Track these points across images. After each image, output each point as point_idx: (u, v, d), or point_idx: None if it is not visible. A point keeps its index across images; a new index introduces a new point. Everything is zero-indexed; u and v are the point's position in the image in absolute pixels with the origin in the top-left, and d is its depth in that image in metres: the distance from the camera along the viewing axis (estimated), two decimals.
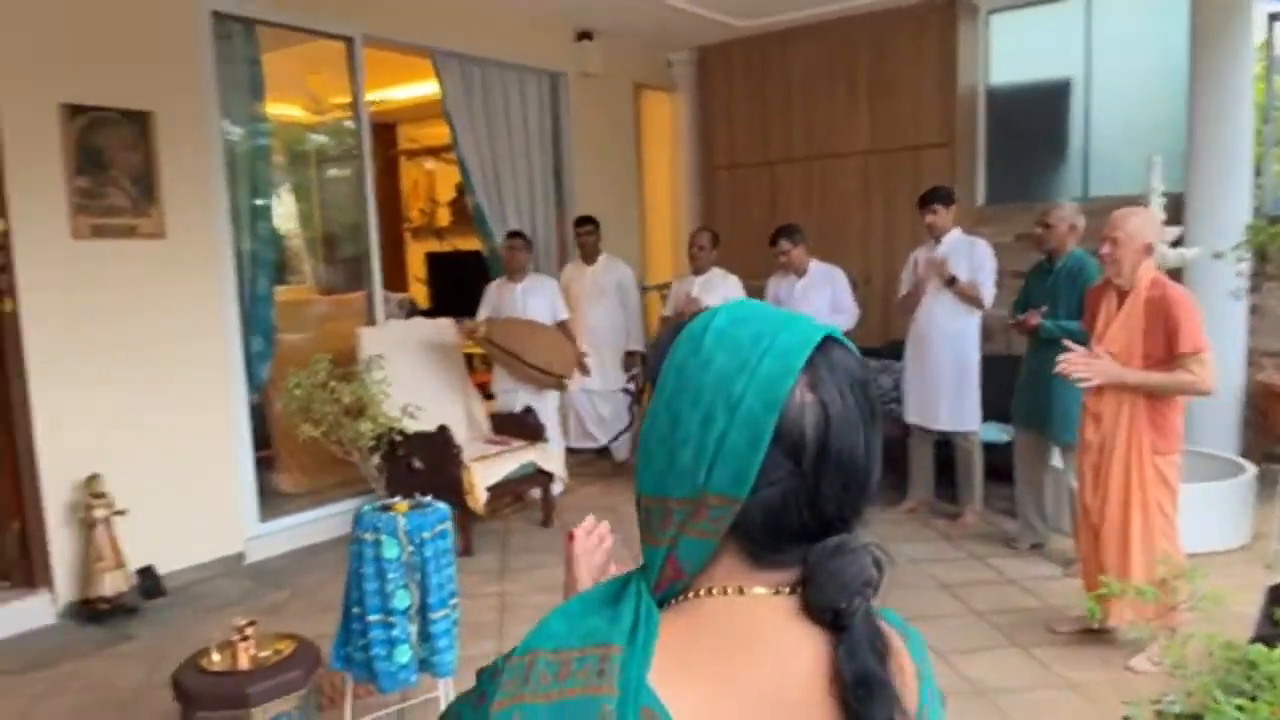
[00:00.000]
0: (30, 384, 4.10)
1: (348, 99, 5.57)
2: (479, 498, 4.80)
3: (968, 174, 6.55)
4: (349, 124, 5.69)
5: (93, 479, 4.21)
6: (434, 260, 9.69)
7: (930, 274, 5.04)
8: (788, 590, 0.74)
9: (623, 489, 6.01)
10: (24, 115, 4.04)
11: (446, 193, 9.69)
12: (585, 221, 6.23)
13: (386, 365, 5.18)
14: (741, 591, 0.74)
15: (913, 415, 5.29)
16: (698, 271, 5.75)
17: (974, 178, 6.58)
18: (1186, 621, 2.62)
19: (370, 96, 8.54)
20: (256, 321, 5.08)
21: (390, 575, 2.76)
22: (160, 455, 4.51)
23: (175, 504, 4.53)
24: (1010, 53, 6.60)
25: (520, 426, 5.42)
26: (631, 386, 6.27)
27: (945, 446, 5.33)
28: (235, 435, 4.87)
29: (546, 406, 5.55)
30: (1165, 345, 3.24)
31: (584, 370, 5.83)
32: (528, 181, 6.65)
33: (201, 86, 4.69)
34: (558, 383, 5.43)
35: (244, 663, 2.74)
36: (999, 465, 5.31)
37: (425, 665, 2.84)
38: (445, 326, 5.76)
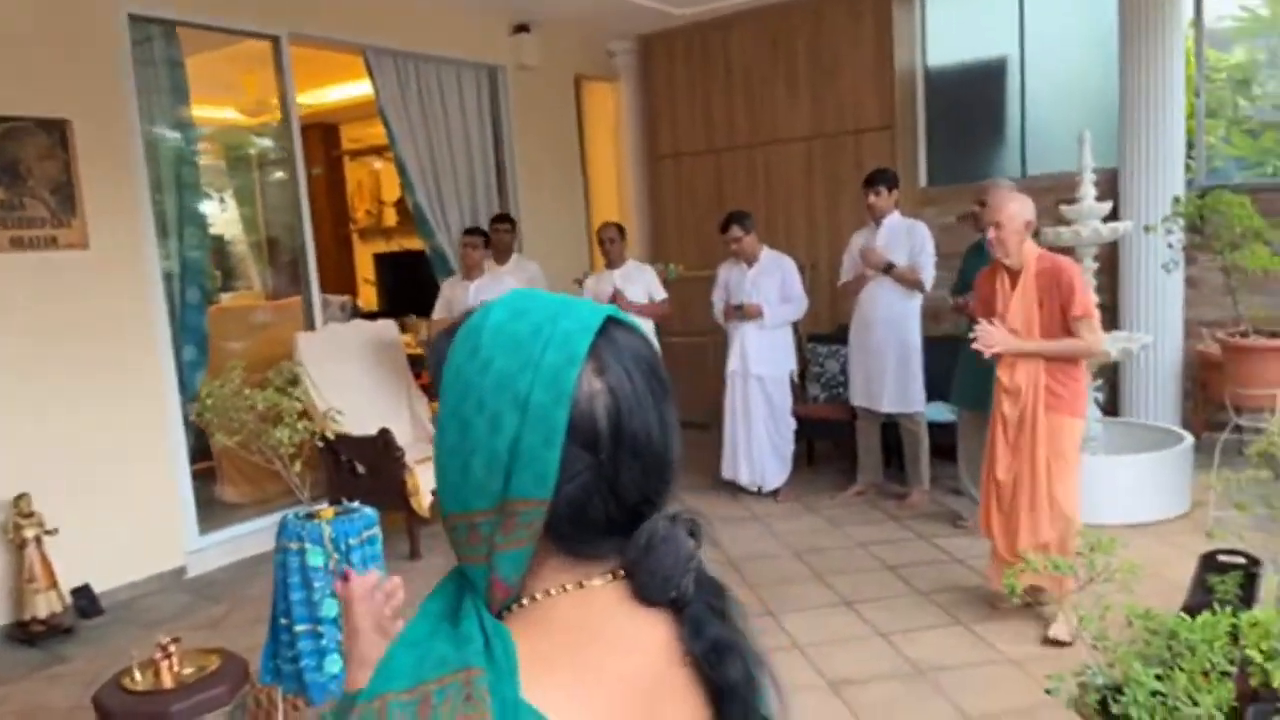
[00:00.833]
0: None
1: (276, 99, 5.46)
2: (423, 500, 4.74)
3: (909, 156, 6.57)
4: (280, 125, 5.57)
5: (20, 498, 4.09)
6: (382, 260, 9.57)
7: (870, 262, 5.06)
8: (623, 574, 0.73)
9: None
10: None
11: (392, 192, 9.57)
12: (502, 219, 6.10)
13: (325, 369, 5.17)
14: (581, 585, 0.73)
15: (859, 398, 5.31)
16: (612, 265, 5.71)
17: (915, 160, 6.61)
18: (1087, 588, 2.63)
19: (310, 97, 8.46)
20: (188, 331, 4.97)
21: (317, 584, 2.71)
22: (92, 472, 4.40)
23: (110, 521, 4.42)
24: (947, 33, 6.62)
25: None
26: None
27: (892, 429, 5.36)
28: (170, 448, 4.77)
29: None
30: (1060, 314, 3.46)
31: None
32: (469, 178, 6.57)
33: (120, 91, 4.56)
34: None
35: (167, 681, 2.67)
36: (946, 444, 5.36)
37: None
38: (387, 328, 5.68)
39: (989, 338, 3.50)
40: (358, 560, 2.75)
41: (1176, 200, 4.84)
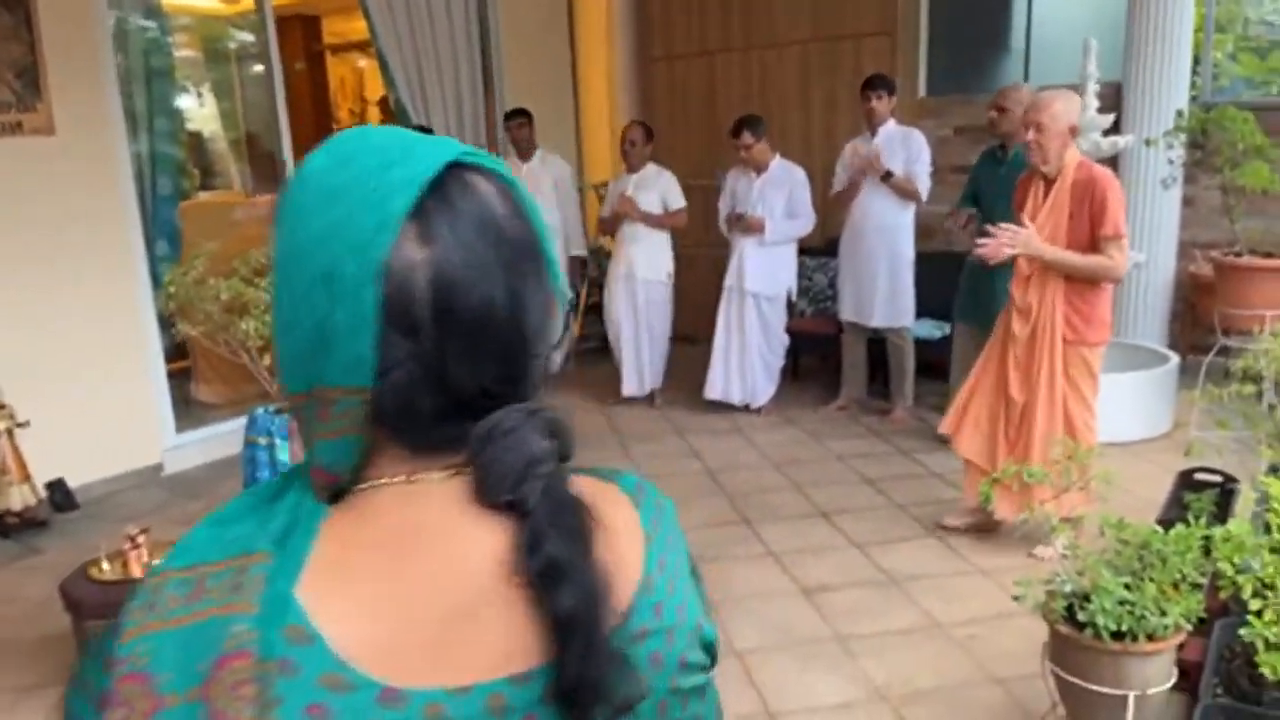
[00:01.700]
0: None
1: None
2: None
3: (910, 64, 6.36)
4: (254, 15, 5.32)
5: None
6: None
7: (866, 168, 4.92)
8: (468, 470, 0.62)
9: (555, 396, 5.92)
10: None
11: (376, 91, 9.26)
12: (516, 114, 5.90)
13: None
14: (409, 479, 0.62)
15: (847, 312, 5.24)
16: (631, 169, 5.51)
17: (915, 68, 6.40)
18: (1084, 503, 2.61)
19: None
20: (160, 224, 4.84)
21: None
22: (64, 365, 4.33)
23: (85, 415, 4.37)
24: None
25: None
26: (571, 295, 6.08)
27: (878, 345, 5.31)
28: (142, 343, 4.69)
29: None
30: (1089, 230, 3.22)
31: None
32: (454, 76, 6.34)
33: None
34: None
35: (135, 571, 2.66)
36: (932, 361, 5.32)
37: None
38: None
39: (1012, 238, 3.20)
40: None
41: (1179, 114, 4.70)
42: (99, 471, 4.51)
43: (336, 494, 0.63)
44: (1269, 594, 1.96)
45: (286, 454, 2.65)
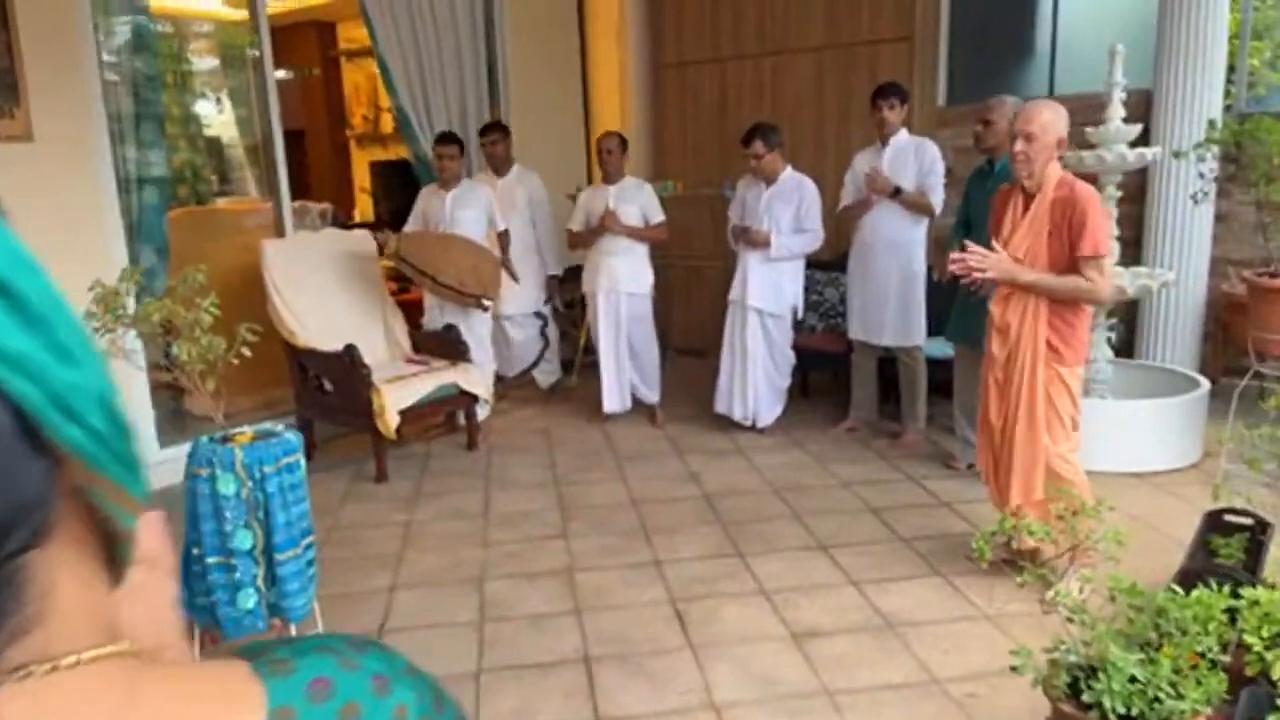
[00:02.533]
0: None
1: None
2: (389, 421, 4.52)
3: (928, 72, 6.12)
4: (248, 17, 5.19)
5: None
6: (378, 169, 9.22)
7: (873, 186, 4.69)
8: None
9: (559, 414, 5.75)
10: None
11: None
12: (491, 129, 5.67)
13: (293, 279, 4.90)
14: None
15: (856, 330, 5.01)
16: (609, 180, 5.30)
17: (935, 76, 6.15)
18: (1091, 564, 2.37)
19: None
20: (146, 233, 4.70)
21: (228, 513, 2.49)
22: None
23: None
24: None
25: (441, 345, 5.11)
26: (545, 311, 5.87)
27: (890, 364, 5.07)
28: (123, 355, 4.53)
29: (473, 325, 5.21)
30: (1069, 250, 3.07)
31: (512, 277, 5.45)
32: (458, 82, 6.18)
33: None
34: (477, 302, 5.07)
35: None
36: (945, 382, 5.07)
37: (275, 610, 2.59)
38: (363, 238, 5.38)
39: (983, 261, 3.09)
40: (274, 488, 2.52)
41: (1211, 125, 4.42)
42: None
43: None
44: None
45: (229, 486, 2.47)
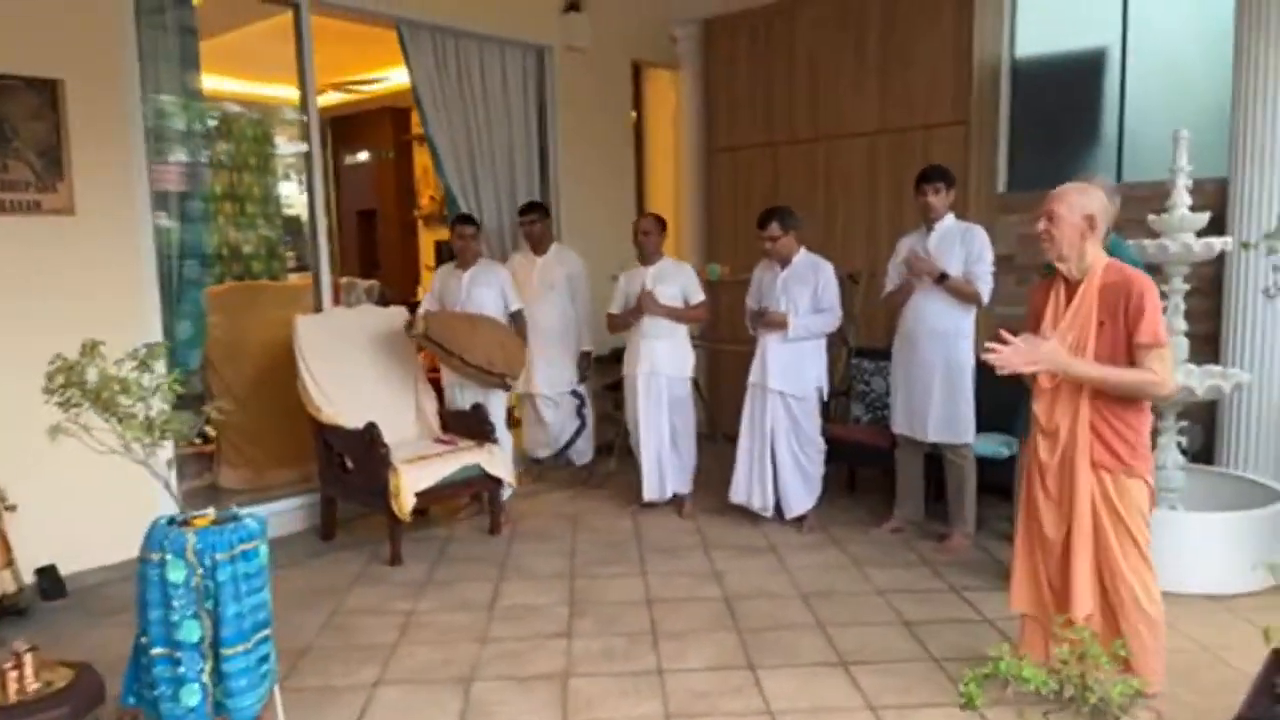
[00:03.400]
0: None
1: (295, 73, 5.20)
2: (405, 503, 4.39)
3: (987, 157, 5.89)
4: (299, 100, 5.32)
5: None
6: (442, 249, 9.36)
7: (917, 271, 4.46)
8: None
9: (593, 500, 5.56)
10: None
11: None
12: (530, 209, 5.68)
13: (324, 355, 4.88)
14: None
15: (900, 425, 4.71)
16: (646, 261, 5.19)
17: (994, 161, 5.91)
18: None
19: (381, 73, 8.31)
20: (183, 307, 4.75)
21: (176, 603, 2.36)
22: (67, 447, 4.19)
23: (82, 502, 4.21)
24: (1039, 19, 5.90)
25: (468, 425, 5.00)
26: (581, 389, 5.74)
27: (938, 460, 4.74)
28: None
29: (495, 404, 5.10)
30: (1124, 341, 2.77)
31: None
32: (508, 164, 6.21)
33: (120, 54, 4.36)
34: (501, 382, 4.97)
35: (11, 695, 2.37)
36: (999, 483, 4.72)
37: (221, 709, 2.43)
38: (397, 315, 5.36)
39: (1030, 353, 2.78)
40: (225, 578, 2.38)
41: None
42: (95, 559, 4.35)
43: None
44: None
45: (178, 573, 2.34)
